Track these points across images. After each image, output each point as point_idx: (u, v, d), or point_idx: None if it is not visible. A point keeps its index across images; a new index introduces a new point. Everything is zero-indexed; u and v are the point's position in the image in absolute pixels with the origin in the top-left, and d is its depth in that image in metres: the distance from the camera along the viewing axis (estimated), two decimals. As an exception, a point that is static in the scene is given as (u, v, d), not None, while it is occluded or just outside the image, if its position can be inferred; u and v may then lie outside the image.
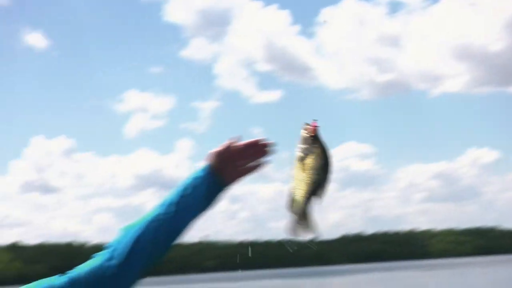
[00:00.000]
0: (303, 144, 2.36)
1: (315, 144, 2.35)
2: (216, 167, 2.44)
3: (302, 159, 2.36)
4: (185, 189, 2.42)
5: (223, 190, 2.46)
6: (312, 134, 2.35)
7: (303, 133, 2.37)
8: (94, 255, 2.38)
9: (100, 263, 2.35)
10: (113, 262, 2.34)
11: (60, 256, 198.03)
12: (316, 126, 2.36)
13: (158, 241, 2.36)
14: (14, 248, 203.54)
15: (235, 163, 2.46)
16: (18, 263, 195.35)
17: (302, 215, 2.36)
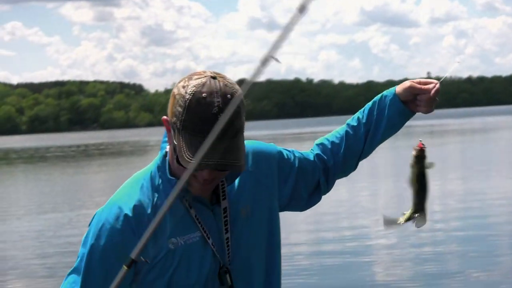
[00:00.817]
0: (412, 160, 2.72)
1: (417, 163, 2.71)
2: (402, 96, 2.76)
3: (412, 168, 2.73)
4: (372, 108, 2.80)
5: (405, 116, 2.79)
6: (418, 154, 2.71)
7: (414, 151, 2.72)
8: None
9: (309, 154, 2.82)
10: (320, 155, 2.83)
11: (286, 92, 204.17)
12: (421, 148, 2.71)
13: (351, 150, 2.81)
14: (241, 85, 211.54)
15: (417, 100, 2.75)
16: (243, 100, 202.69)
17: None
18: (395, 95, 2.75)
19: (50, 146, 76.15)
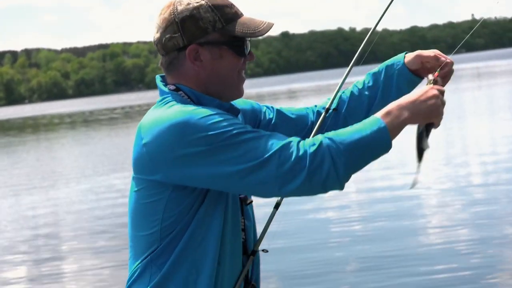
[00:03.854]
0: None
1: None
2: (411, 64, 2.70)
3: None
4: (378, 73, 2.76)
5: (413, 85, 2.72)
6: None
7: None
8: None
9: (302, 109, 2.89)
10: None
11: (329, 43, 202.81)
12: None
13: (353, 111, 2.78)
14: (284, 37, 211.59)
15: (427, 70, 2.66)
16: (287, 52, 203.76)
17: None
18: (404, 64, 2.71)
19: (94, 110, 76.80)
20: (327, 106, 2.77)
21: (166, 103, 2.35)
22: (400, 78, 2.70)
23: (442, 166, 13.83)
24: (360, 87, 2.78)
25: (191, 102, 2.37)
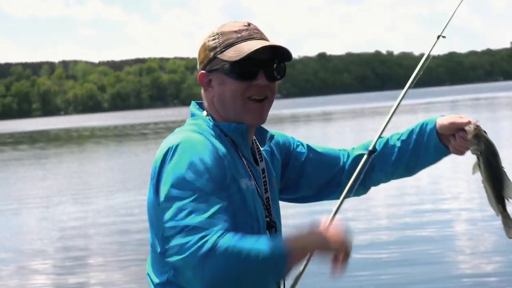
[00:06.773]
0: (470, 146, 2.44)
1: (478, 142, 2.41)
2: (443, 130, 2.61)
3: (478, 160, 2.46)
4: (414, 128, 2.71)
5: (438, 152, 2.66)
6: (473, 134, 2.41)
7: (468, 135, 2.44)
8: None
9: (339, 151, 2.87)
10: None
11: (366, 65, 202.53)
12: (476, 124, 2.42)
13: (386, 158, 2.76)
14: (321, 58, 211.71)
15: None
16: (323, 73, 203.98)
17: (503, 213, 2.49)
18: (434, 127, 2.65)
19: (127, 124, 77.15)
20: (370, 148, 2.74)
21: (186, 126, 2.47)
22: (430, 139, 2.66)
23: (477, 199, 13.66)
24: (395, 137, 2.77)
25: (214, 126, 2.46)
